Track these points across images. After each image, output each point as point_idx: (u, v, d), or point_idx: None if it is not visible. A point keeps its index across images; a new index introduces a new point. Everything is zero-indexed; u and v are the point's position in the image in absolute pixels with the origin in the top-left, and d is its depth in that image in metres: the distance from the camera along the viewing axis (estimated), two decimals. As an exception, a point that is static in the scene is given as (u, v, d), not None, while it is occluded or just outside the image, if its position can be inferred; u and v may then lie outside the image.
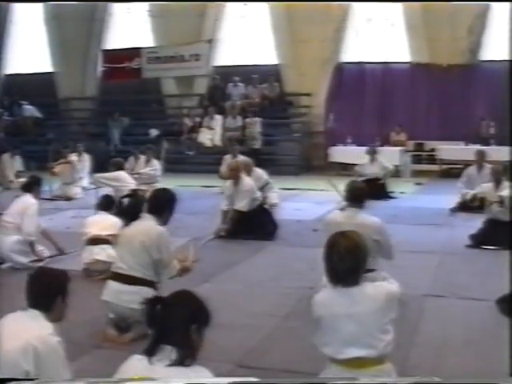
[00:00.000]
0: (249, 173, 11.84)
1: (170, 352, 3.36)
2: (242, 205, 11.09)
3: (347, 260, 4.13)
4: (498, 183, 10.43)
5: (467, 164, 14.13)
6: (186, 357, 3.39)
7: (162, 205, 6.53)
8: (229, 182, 11.53)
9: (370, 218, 6.84)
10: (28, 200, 9.26)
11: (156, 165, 16.26)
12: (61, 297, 4.08)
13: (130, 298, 5.97)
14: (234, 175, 11.39)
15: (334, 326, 4.13)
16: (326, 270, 4.23)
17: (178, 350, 3.37)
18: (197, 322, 3.53)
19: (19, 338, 3.77)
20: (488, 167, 13.27)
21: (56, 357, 3.84)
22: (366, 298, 4.14)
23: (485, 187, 10.69)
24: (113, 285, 6.27)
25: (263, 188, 12.51)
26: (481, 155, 13.83)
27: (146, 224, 6.35)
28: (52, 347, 3.84)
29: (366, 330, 4.09)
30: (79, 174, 17.14)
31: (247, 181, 11.39)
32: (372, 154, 16.18)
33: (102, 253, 8.39)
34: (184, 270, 6.45)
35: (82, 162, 17.84)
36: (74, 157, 17.20)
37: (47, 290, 4.05)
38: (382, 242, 6.69)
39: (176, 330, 3.43)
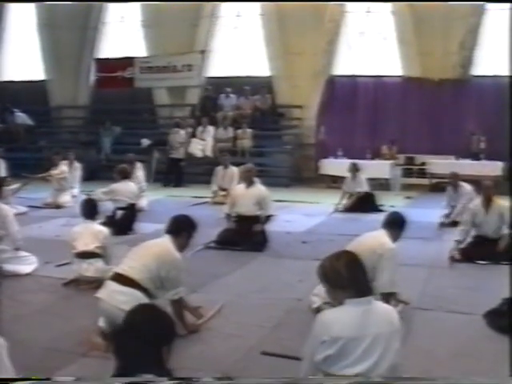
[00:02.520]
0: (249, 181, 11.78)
1: (145, 376, 3.26)
2: (270, 210, 11.39)
3: (363, 268, 4.20)
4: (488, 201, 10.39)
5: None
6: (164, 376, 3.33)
7: (181, 228, 6.60)
8: (240, 184, 11.83)
9: (385, 239, 7.15)
10: (1, 207, 9.18)
11: (139, 177, 15.95)
12: None
13: (123, 298, 5.98)
14: (247, 177, 11.54)
15: (351, 346, 4.00)
16: (353, 284, 4.12)
17: (155, 371, 3.28)
18: (168, 341, 3.45)
19: None
20: (463, 186, 13.43)
21: None
22: (387, 315, 4.16)
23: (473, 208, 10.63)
24: (110, 284, 6.29)
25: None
26: (454, 176, 13.92)
27: (162, 242, 6.48)
28: None
29: (379, 348, 4.02)
30: (70, 182, 17.01)
31: (260, 186, 11.54)
32: (353, 171, 15.97)
33: (90, 268, 8.29)
34: (190, 329, 6.54)
35: (74, 170, 17.78)
36: (64, 166, 16.99)
37: None
38: (381, 266, 6.79)
39: (150, 355, 3.33)
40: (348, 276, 4.10)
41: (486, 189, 10.50)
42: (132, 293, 6.05)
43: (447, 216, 13.35)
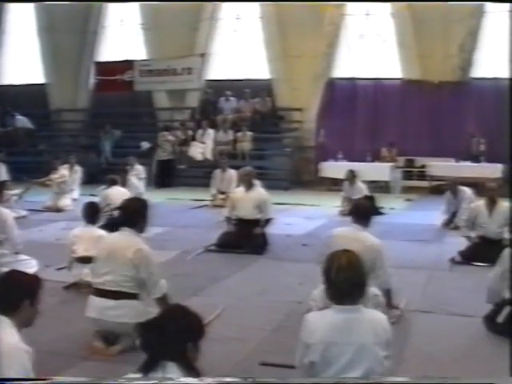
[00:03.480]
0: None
1: (169, 368, 3.35)
2: (269, 213, 11.29)
3: (350, 274, 4.07)
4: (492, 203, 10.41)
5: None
6: (189, 373, 3.39)
7: (135, 215, 6.37)
8: (240, 188, 11.71)
9: (372, 238, 7.03)
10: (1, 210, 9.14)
11: (135, 183, 15.65)
12: (28, 301, 3.97)
13: (118, 312, 5.91)
14: (247, 180, 11.49)
15: (333, 353, 3.99)
16: (328, 287, 4.14)
17: (179, 365, 3.37)
18: (193, 339, 3.50)
19: None
20: (464, 191, 13.42)
21: (19, 365, 3.68)
22: (373, 324, 4.09)
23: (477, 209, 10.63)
24: (98, 301, 6.17)
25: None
26: (453, 182, 13.88)
27: (129, 240, 6.22)
28: (16, 356, 3.69)
29: (366, 359, 4.00)
30: (70, 185, 17.00)
31: (261, 189, 11.54)
32: (350, 178, 15.82)
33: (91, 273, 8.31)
34: None
35: (74, 173, 17.79)
36: (64, 170, 17.01)
37: (13, 293, 3.95)
38: (378, 265, 6.77)
39: (174, 350, 3.40)
40: (332, 280, 4.09)
41: (490, 190, 10.50)
42: (125, 304, 5.95)
43: (449, 222, 13.32)
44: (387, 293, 7.00)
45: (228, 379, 4.03)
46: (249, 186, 11.40)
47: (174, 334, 3.43)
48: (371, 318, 4.14)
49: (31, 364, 3.73)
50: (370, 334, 4.03)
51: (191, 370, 3.41)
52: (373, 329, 4.06)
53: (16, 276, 4.18)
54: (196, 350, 3.50)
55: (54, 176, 16.61)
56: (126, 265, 6.06)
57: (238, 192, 11.66)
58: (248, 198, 11.23)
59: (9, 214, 9.28)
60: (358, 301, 4.10)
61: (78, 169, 18.23)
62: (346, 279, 4.05)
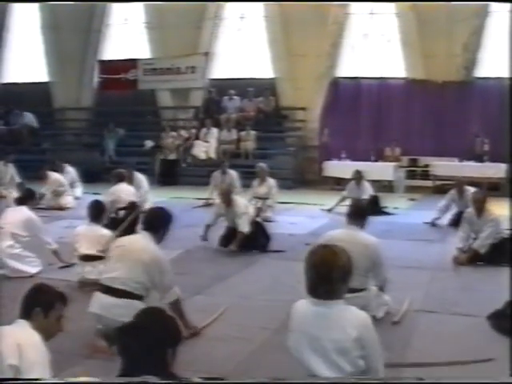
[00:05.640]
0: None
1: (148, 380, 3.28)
2: (244, 226, 10.93)
3: (322, 269, 4.09)
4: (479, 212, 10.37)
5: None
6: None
7: (159, 223, 6.53)
8: (220, 202, 11.45)
9: (369, 237, 6.99)
10: (28, 213, 9.43)
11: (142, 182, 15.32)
12: (40, 310, 4.13)
13: (121, 311, 5.87)
14: (225, 199, 11.25)
15: (303, 342, 4.13)
16: (305, 281, 4.20)
17: (158, 373, 3.29)
18: (173, 344, 3.44)
19: (6, 341, 3.86)
20: (469, 190, 13.34)
21: (39, 357, 3.91)
22: (342, 322, 4.06)
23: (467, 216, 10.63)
24: (102, 297, 6.21)
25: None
26: (460, 182, 13.81)
27: (146, 245, 6.33)
28: (36, 347, 3.94)
29: (334, 356, 4.03)
30: (65, 186, 16.68)
31: (241, 202, 11.30)
32: (358, 178, 15.75)
33: (94, 271, 8.28)
34: (191, 330, 6.49)
35: (66, 174, 17.55)
36: (53, 176, 16.58)
37: (26, 300, 4.18)
38: (377, 264, 6.78)
39: (154, 356, 3.33)
40: (308, 273, 4.15)
41: (476, 202, 10.39)
42: (128, 304, 5.92)
43: (455, 221, 13.15)
44: (381, 289, 7.06)
45: (197, 379, 4.05)
46: (228, 203, 11.14)
47: (155, 338, 3.36)
48: (342, 315, 4.10)
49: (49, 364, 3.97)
50: (338, 331, 4.04)
51: (170, 378, 3.35)
52: (341, 326, 4.04)
53: (37, 286, 4.38)
54: (174, 356, 3.44)
55: (43, 191, 15.90)
56: (138, 267, 6.13)
57: (220, 208, 11.45)
58: (230, 216, 11.13)
59: (34, 216, 9.56)
60: (332, 296, 4.09)
61: (70, 170, 17.98)
62: (318, 274, 4.09)
